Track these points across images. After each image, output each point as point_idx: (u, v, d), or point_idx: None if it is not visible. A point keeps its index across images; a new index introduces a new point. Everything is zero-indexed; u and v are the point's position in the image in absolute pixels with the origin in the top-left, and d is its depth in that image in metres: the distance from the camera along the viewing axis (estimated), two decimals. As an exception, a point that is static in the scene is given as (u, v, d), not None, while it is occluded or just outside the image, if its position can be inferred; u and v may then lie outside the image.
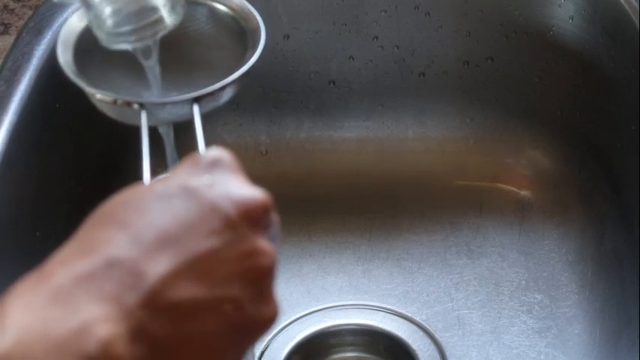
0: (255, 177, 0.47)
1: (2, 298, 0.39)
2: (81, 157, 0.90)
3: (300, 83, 1.00)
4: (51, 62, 0.84)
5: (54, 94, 0.84)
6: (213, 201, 0.42)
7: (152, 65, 0.61)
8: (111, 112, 0.61)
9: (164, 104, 0.60)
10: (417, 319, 0.89)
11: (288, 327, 0.88)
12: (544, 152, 1.00)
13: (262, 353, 0.86)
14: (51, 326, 0.37)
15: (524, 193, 0.99)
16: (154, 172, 0.55)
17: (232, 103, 1.00)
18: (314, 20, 0.97)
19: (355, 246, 0.96)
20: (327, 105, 1.01)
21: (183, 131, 0.59)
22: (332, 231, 0.97)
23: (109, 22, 0.59)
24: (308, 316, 0.89)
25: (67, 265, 0.39)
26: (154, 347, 0.39)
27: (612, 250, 0.90)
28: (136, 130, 0.58)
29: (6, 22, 0.95)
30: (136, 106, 0.59)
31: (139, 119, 0.58)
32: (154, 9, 0.59)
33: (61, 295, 0.38)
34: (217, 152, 0.46)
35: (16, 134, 0.79)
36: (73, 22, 0.63)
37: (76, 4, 0.61)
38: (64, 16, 0.86)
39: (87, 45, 0.61)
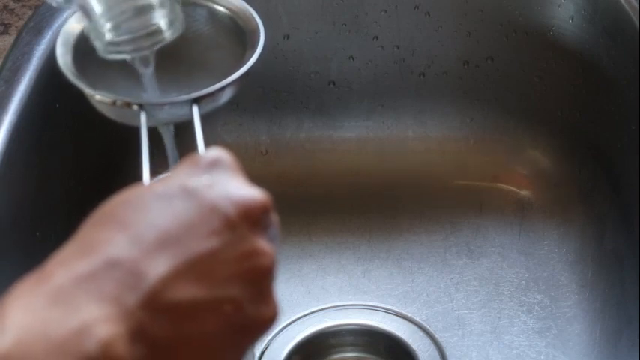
0: (255, 177, 0.47)
1: (2, 298, 0.39)
2: (81, 157, 0.90)
3: (300, 83, 1.00)
4: (51, 62, 0.84)
5: (54, 94, 0.84)
6: (213, 201, 0.42)
7: (148, 73, 0.61)
8: (110, 113, 0.61)
9: (163, 105, 0.60)
10: (417, 319, 0.89)
11: (288, 327, 0.88)
12: (544, 152, 1.00)
13: (262, 353, 0.86)
14: (51, 326, 0.37)
15: (524, 193, 0.99)
16: (154, 173, 0.55)
17: (232, 103, 1.00)
18: (314, 20, 0.97)
19: (355, 246, 0.96)
20: (327, 105, 1.01)
21: (183, 131, 0.59)
22: (332, 231, 0.97)
23: (108, 35, 0.59)
24: (308, 316, 0.89)
25: (67, 265, 0.39)
26: (154, 347, 0.39)
27: (612, 250, 0.90)
28: (135, 131, 0.58)
29: (6, 22, 0.95)
30: (135, 107, 0.59)
31: (139, 120, 0.58)
32: (153, 23, 0.59)
33: (61, 296, 0.38)
34: (217, 153, 0.46)
35: (16, 134, 0.79)
36: (73, 23, 0.63)
37: (74, 9, 0.61)
38: (64, 16, 0.86)
39: (86, 46, 0.61)
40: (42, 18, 0.88)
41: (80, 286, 0.38)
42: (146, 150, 0.55)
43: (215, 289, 0.41)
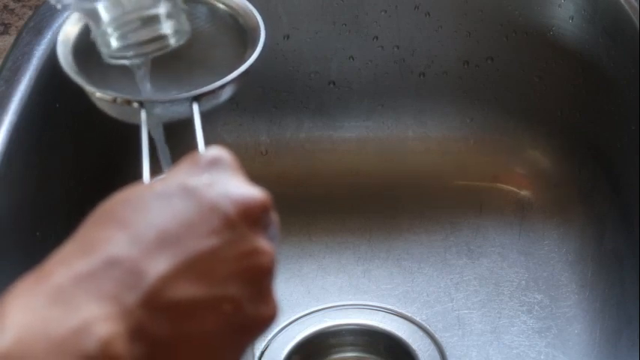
0: (255, 177, 0.47)
1: (2, 297, 0.39)
2: (81, 157, 0.90)
3: (300, 83, 1.00)
4: (51, 62, 0.84)
5: (54, 94, 0.84)
6: (213, 200, 0.42)
7: (141, 73, 0.61)
8: (111, 111, 0.61)
9: (164, 102, 0.60)
10: (417, 319, 0.89)
11: (288, 327, 0.88)
12: (544, 152, 1.00)
13: (262, 353, 0.86)
14: (50, 325, 0.37)
15: (524, 193, 0.99)
16: (154, 172, 0.55)
17: (232, 103, 1.00)
18: (314, 20, 0.97)
19: (355, 246, 0.96)
20: (327, 105, 1.01)
21: (183, 130, 0.58)
22: (332, 231, 0.97)
23: (115, 43, 0.59)
24: (308, 316, 0.89)
25: (67, 264, 0.39)
26: (154, 346, 0.39)
27: (612, 250, 0.90)
28: (135, 130, 0.58)
29: (6, 22, 0.95)
30: (135, 104, 0.59)
31: (139, 118, 0.58)
32: (160, 34, 0.59)
33: (60, 295, 0.38)
34: (217, 151, 0.46)
35: (16, 134, 0.79)
36: (73, 21, 0.63)
37: (73, 10, 0.61)
38: (64, 16, 0.86)
39: (87, 44, 0.61)
40: (42, 18, 0.88)
41: (80, 285, 0.38)
42: (146, 148, 0.55)
43: (215, 288, 0.41)
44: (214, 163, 0.45)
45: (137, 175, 0.54)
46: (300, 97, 1.01)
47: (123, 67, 0.62)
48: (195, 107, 0.58)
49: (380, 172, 1.01)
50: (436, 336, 0.87)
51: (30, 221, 0.81)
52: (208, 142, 0.55)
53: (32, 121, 0.82)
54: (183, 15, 0.60)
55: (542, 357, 0.86)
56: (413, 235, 0.96)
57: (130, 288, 0.39)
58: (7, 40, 0.91)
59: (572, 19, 0.94)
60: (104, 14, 0.59)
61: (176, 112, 0.59)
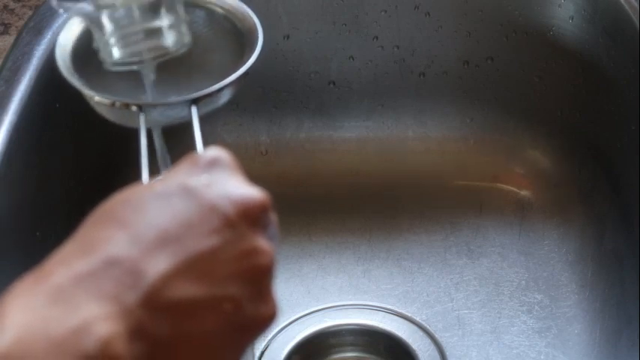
0: (255, 177, 0.47)
1: (2, 297, 0.39)
2: (81, 157, 0.90)
3: (300, 83, 1.00)
4: (51, 62, 0.83)
5: (54, 94, 0.84)
6: (212, 200, 0.42)
7: (148, 73, 0.61)
8: (109, 115, 0.61)
9: (162, 106, 0.60)
10: (417, 319, 0.89)
11: (288, 327, 0.88)
12: (544, 152, 1.00)
13: (262, 353, 0.86)
14: (50, 325, 0.37)
15: (524, 193, 0.99)
16: (153, 173, 0.55)
17: (232, 103, 1.00)
18: (314, 20, 0.97)
19: (355, 246, 0.96)
20: (327, 105, 1.01)
21: (183, 132, 0.59)
22: (332, 231, 0.97)
23: (117, 53, 0.59)
24: (308, 316, 0.89)
25: (67, 264, 0.39)
26: (153, 346, 0.39)
27: (612, 250, 0.90)
28: (135, 131, 0.58)
29: (6, 22, 0.95)
30: (134, 108, 0.59)
31: (138, 121, 0.58)
32: (162, 46, 0.60)
33: (60, 295, 0.38)
34: (216, 152, 0.46)
35: (16, 134, 0.79)
36: (72, 24, 0.63)
37: (76, 16, 0.62)
38: (64, 16, 0.86)
39: (85, 48, 0.61)
40: (42, 18, 0.88)
41: (80, 285, 0.38)
42: (145, 151, 0.55)
43: (214, 287, 0.41)
44: (213, 164, 0.45)
45: (137, 175, 0.54)
46: (300, 97, 1.01)
47: (121, 71, 0.62)
48: (194, 110, 0.58)
49: (380, 172, 1.01)
50: (436, 336, 0.87)
51: (30, 221, 0.81)
52: (208, 142, 0.55)
53: (32, 121, 0.82)
54: (185, 25, 0.61)
55: (542, 357, 0.86)
56: (413, 235, 0.96)
57: (130, 288, 0.39)
58: (7, 40, 0.91)
59: (572, 19, 0.94)
60: (107, 24, 0.59)
61: (175, 115, 0.59)
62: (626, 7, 0.88)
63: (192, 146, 0.55)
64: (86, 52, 0.61)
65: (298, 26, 0.98)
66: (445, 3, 0.97)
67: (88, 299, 0.38)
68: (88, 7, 0.58)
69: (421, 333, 0.88)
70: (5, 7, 0.96)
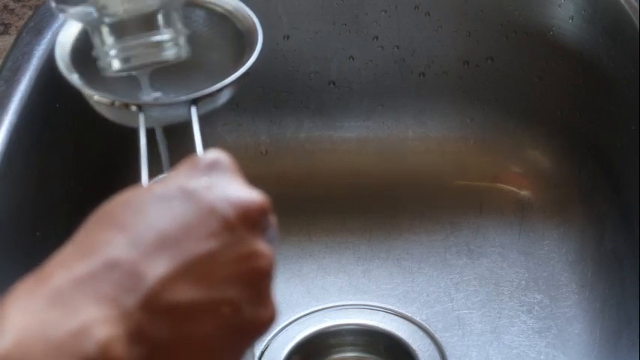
0: (255, 177, 0.47)
1: (2, 299, 0.39)
2: (81, 157, 0.90)
3: (300, 83, 1.00)
4: (51, 62, 0.83)
5: (54, 94, 0.84)
6: (212, 203, 0.42)
7: (143, 77, 0.62)
8: (109, 114, 0.61)
9: (162, 106, 0.60)
10: (417, 319, 0.89)
11: (288, 327, 0.88)
12: (544, 152, 1.00)
13: (262, 353, 0.86)
14: (50, 328, 0.37)
15: (524, 193, 0.99)
16: (153, 174, 0.55)
17: (232, 103, 1.00)
18: (314, 20, 0.97)
19: (355, 246, 0.96)
20: (327, 105, 1.01)
21: (182, 132, 0.59)
22: (332, 231, 0.97)
23: (116, 64, 0.59)
24: (308, 316, 0.89)
25: (66, 267, 0.39)
26: (153, 349, 0.39)
27: (612, 250, 0.90)
28: (135, 131, 0.58)
29: (6, 22, 0.95)
30: (133, 107, 0.59)
31: (137, 121, 0.58)
32: (162, 59, 0.60)
33: (59, 297, 0.38)
34: (216, 154, 0.46)
35: (16, 134, 0.79)
36: (71, 23, 0.63)
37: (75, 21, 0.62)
38: (63, 17, 0.86)
39: (85, 47, 0.61)
40: (42, 18, 0.88)
41: (79, 288, 0.38)
42: (144, 151, 0.55)
43: (213, 290, 0.41)
44: (213, 166, 0.45)
45: (137, 176, 0.54)
46: (300, 97, 1.01)
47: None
48: (194, 110, 0.58)
49: (380, 172, 1.01)
50: (436, 336, 0.87)
51: (30, 221, 0.81)
52: (208, 142, 0.55)
53: (32, 121, 0.82)
54: (183, 38, 0.61)
55: (542, 357, 0.86)
56: (413, 235, 0.96)
57: (129, 290, 0.39)
58: (7, 40, 0.91)
59: (572, 19, 0.94)
60: (107, 37, 0.59)
61: (174, 115, 0.59)
62: (626, 7, 0.88)
63: (192, 147, 0.55)
64: (86, 51, 0.61)
65: (298, 26, 0.98)
66: (445, 3, 0.97)
67: (87, 302, 0.38)
68: (86, 10, 0.58)
69: (421, 333, 0.88)
70: (5, 7, 0.96)
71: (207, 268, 0.41)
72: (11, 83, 0.82)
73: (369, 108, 1.01)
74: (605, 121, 0.93)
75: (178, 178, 0.44)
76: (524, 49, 0.97)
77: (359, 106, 1.01)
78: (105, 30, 0.59)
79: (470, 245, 0.95)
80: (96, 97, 0.59)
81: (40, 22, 0.87)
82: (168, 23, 0.60)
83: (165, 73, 0.61)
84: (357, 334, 0.89)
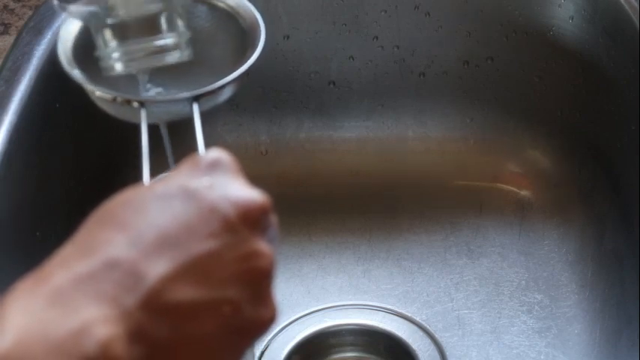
0: (255, 177, 0.47)
1: (2, 299, 0.39)
2: (81, 157, 0.90)
3: (300, 83, 1.00)
4: (51, 62, 0.84)
5: (54, 94, 0.84)
6: (213, 203, 0.42)
7: (143, 76, 0.62)
8: (110, 110, 0.61)
9: (164, 102, 0.60)
10: (417, 319, 0.89)
11: (288, 327, 0.88)
12: (544, 152, 1.00)
13: (262, 353, 0.86)
14: (50, 327, 0.37)
15: (524, 193, 0.99)
16: (153, 171, 0.54)
17: (232, 103, 1.00)
18: (314, 20, 0.97)
19: (355, 246, 0.96)
20: (327, 105, 1.01)
21: (184, 130, 0.58)
22: (332, 231, 0.97)
23: (119, 67, 0.59)
24: (308, 316, 0.89)
25: (67, 266, 0.39)
26: (153, 348, 0.39)
27: (612, 250, 0.90)
28: (136, 131, 0.58)
29: (6, 22, 0.95)
30: (135, 104, 0.59)
31: (139, 117, 0.58)
32: (166, 63, 0.60)
33: (60, 297, 0.38)
34: (217, 153, 0.46)
35: (16, 134, 0.79)
36: (74, 20, 0.63)
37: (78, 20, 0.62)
38: (64, 16, 0.86)
39: (87, 42, 0.61)
40: (42, 18, 0.88)
41: (79, 287, 0.38)
42: (146, 147, 0.55)
43: (214, 290, 0.41)
44: (215, 166, 0.45)
45: (137, 176, 0.54)
46: (300, 97, 1.01)
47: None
48: (196, 107, 0.58)
49: (380, 172, 1.01)
50: (436, 336, 0.87)
51: (30, 221, 0.81)
52: (208, 142, 0.55)
53: (32, 121, 0.82)
54: (185, 41, 0.61)
55: (542, 357, 0.86)
56: (413, 235, 0.96)
57: (130, 290, 0.39)
58: (7, 40, 0.91)
59: (572, 19, 0.94)
60: (111, 40, 0.59)
61: (176, 111, 0.59)
62: (626, 7, 0.88)
63: (193, 146, 0.55)
64: (88, 46, 0.61)
65: (298, 26, 0.98)
66: (445, 3, 0.97)
67: (87, 301, 0.38)
68: (88, 9, 0.58)
69: (421, 333, 0.88)
70: (5, 7, 0.96)
71: (208, 268, 0.41)
72: (11, 83, 0.82)
73: (369, 108, 1.01)
74: (605, 121, 0.93)
75: (179, 177, 0.44)
76: (524, 49, 0.97)
77: (359, 106, 1.01)
78: (108, 32, 0.59)
79: (470, 245, 0.95)
80: (98, 92, 0.59)
81: (40, 22, 0.87)
82: (171, 26, 0.60)
83: (167, 69, 0.61)
84: (357, 334, 0.89)
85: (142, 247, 0.40)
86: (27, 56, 0.84)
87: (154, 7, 0.59)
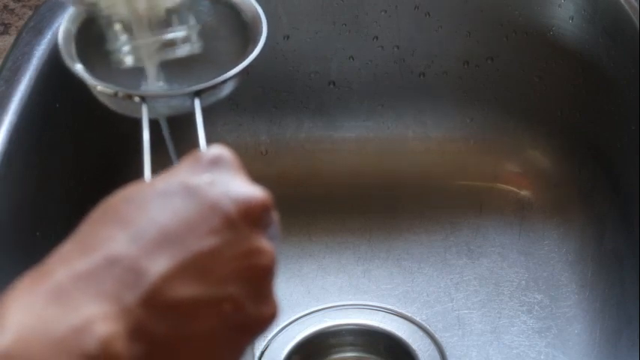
0: (255, 177, 0.46)
1: (2, 297, 0.39)
2: (81, 157, 0.90)
3: (300, 83, 1.00)
4: (51, 62, 0.84)
5: (54, 94, 0.84)
6: (214, 199, 0.42)
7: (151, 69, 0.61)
8: (112, 105, 0.61)
9: (165, 97, 0.60)
10: (417, 319, 0.89)
11: (288, 327, 0.88)
12: (544, 152, 1.00)
13: (262, 353, 0.86)
14: (50, 325, 0.37)
15: (524, 193, 0.99)
16: (154, 169, 0.54)
17: (232, 103, 1.00)
18: (314, 20, 0.97)
19: (355, 246, 0.96)
20: (327, 105, 1.01)
21: (186, 126, 0.58)
22: (332, 231, 0.97)
23: (129, 60, 0.59)
24: (308, 316, 0.89)
25: (67, 263, 0.39)
26: (153, 345, 0.39)
27: (612, 250, 0.90)
28: (136, 130, 0.58)
29: (6, 22, 0.95)
30: (136, 99, 0.58)
31: (140, 112, 0.58)
32: (176, 56, 0.60)
33: (60, 294, 0.38)
34: (218, 150, 0.46)
35: (16, 134, 0.79)
36: (75, 14, 0.63)
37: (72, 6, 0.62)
38: (65, 15, 0.86)
39: (89, 37, 0.61)
40: (42, 18, 0.88)
41: (79, 284, 0.38)
42: (147, 143, 0.55)
43: (214, 287, 0.41)
44: (216, 162, 0.45)
45: (137, 176, 0.54)
46: (300, 97, 1.01)
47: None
48: (197, 102, 0.58)
49: (380, 172, 1.01)
50: (436, 336, 0.87)
51: (30, 221, 0.81)
52: (208, 142, 0.55)
53: (32, 121, 0.82)
54: (196, 34, 0.61)
55: (542, 357, 0.86)
56: (413, 235, 0.96)
57: (130, 287, 0.39)
58: (7, 40, 0.91)
59: (572, 19, 0.94)
60: (121, 34, 0.59)
61: (178, 106, 0.59)
62: (626, 7, 0.88)
63: (195, 142, 0.55)
64: (89, 41, 0.61)
65: (298, 26, 0.98)
66: (445, 3, 0.97)
67: (87, 299, 0.38)
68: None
69: (421, 333, 0.88)
70: (5, 7, 0.96)
71: (209, 265, 0.41)
72: (11, 83, 0.82)
73: (369, 108, 1.01)
74: (605, 121, 0.93)
75: (180, 174, 0.44)
76: (524, 49, 0.97)
77: (359, 106, 1.01)
78: (118, 26, 0.59)
79: (470, 245, 0.95)
80: (99, 87, 0.59)
81: (40, 22, 0.87)
82: (182, 20, 0.60)
83: (167, 64, 0.61)
84: (357, 334, 0.89)
85: (142, 244, 0.40)
86: (27, 56, 0.84)
87: (169, 3, 0.59)
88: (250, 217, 0.43)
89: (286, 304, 0.88)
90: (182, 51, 0.60)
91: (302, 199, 0.99)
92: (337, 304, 0.91)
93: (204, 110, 0.59)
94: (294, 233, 0.96)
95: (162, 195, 0.42)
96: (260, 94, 1.00)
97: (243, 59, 0.60)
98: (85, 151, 0.90)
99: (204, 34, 0.63)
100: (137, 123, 0.58)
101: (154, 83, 0.61)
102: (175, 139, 0.63)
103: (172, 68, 0.61)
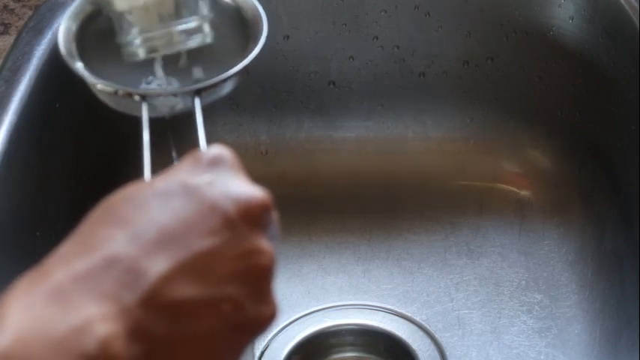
0: (255, 177, 0.46)
1: (2, 297, 0.39)
2: (81, 157, 0.90)
3: (300, 83, 1.00)
4: (51, 62, 0.84)
5: (54, 94, 0.84)
6: (213, 199, 0.42)
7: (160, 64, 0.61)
8: (112, 103, 0.61)
9: (165, 96, 0.59)
10: (417, 319, 0.89)
11: (288, 327, 0.88)
12: (544, 152, 1.00)
13: (262, 353, 0.86)
14: (50, 325, 0.37)
15: (524, 193, 0.99)
16: (154, 169, 0.54)
17: (232, 103, 1.00)
18: (314, 20, 0.97)
19: (355, 246, 0.96)
20: (327, 105, 1.01)
21: (186, 125, 0.58)
22: (332, 231, 0.97)
23: (142, 53, 0.59)
24: (308, 316, 0.89)
25: (66, 263, 0.39)
26: (152, 346, 0.39)
27: (612, 250, 0.90)
28: (136, 130, 0.58)
29: (6, 22, 0.95)
30: (137, 97, 0.58)
31: (140, 110, 0.58)
32: (187, 47, 0.60)
33: (60, 294, 0.38)
34: (218, 150, 0.46)
35: (16, 134, 0.79)
36: (75, 12, 0.63)
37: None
38: (65, 14, 0.86)
39: (89, 34, 0.61)
40: (42, 18, 0.88)
41: (79, 285, 0.38)
42: (147, 142, 0.55)
43: (214, 287, 0.41)
44: (216, 162, 0.45)
45: (137, 175, 0.54)
46: (300, 97, 1.01)
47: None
48: (197, 101, 0.58)
49: (380, 172, 1.01)
50: (436, 336, 0.87)
51: (30, 221, 0.81)
52: (208, 142, 0.55)
53: (32, 121, 0.82)
54: (207, 25, 0.61)
55: (542, 357, 0.86)
56: (413, 235, 0.96)
57: (129, 287, 0.39)
58: (7, 40, 0.91)
59: (572, 19, 0.94)
60: (134, 26, 0.59)
61: (178, 105, 0.59)
62: (626, 7, 0.88)
63: (195, 142, 0.54)
64: (90, 38, 0.61)
65: (298, 26, 0.98)
66: (445, 3, 0.97)
67: (87, 299, 0.38)
68: None
69: (421, 333, 0.88)
70: (5, 7, 0.96)
71: (208, 265, 0.41)
72: (11, 83, 0.82)
73: (369, 108, 1.01)
74: (605, 121, 0.93)
75: (180, 174, 0.44)
76: (524, 49, 0.97)
77: (359, 106, 1.01)
78: (129, 18, 0.59)
79: (470, 245, 0.95)
80: (99, 85, 0.59)
81: (40, 22, 0.87)
82: (194, 10, 0.60)
83: (168, 62, 0.61)
84: (357, 334, 0.89)
85: (141, 244, 0.40)
86: (27, 56, 0.84)
87: None
88: (250, 217, 0.43)
89: (286, 304, 0.88)
90: (194, 42, 0.60)
91: (302, 199, 0.99)
92: (337, 304, 0.91)
93: (204, 110, 0.58)
94: (294, 233, 0.96)
95: (162, 195, 0.42)
96: (260, 94, 1.00)
97: (244, 58, 0.60)
98: (85, 151, 0.90)
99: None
100: (137, 123, 0.58)
101: (162, 78, 0.61)
102: (175, 140, 0.63)
103: (172, 65, 0.61)
